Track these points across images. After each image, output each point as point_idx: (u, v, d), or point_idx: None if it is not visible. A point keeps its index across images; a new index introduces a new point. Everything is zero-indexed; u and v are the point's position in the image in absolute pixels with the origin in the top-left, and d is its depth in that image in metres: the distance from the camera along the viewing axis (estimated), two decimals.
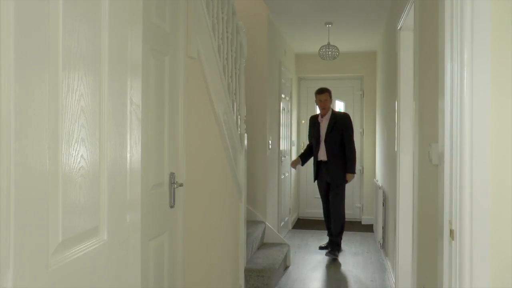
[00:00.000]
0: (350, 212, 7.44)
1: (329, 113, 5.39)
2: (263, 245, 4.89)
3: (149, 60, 1.96)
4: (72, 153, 1.06)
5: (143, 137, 1.88)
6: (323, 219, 5.66)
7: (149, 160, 1.96)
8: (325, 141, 5.33)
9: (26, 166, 0.89)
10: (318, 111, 5.59)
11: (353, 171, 5.31)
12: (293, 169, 6.86)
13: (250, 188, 4.72)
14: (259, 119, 5.03)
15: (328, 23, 5.58)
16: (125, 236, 1.35)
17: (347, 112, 7.74)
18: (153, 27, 2.00)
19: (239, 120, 3.75)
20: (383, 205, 5.30)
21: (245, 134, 3.92)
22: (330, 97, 5.44)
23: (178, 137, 2.31)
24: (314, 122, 5.56)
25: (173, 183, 2.20)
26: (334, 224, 5.33)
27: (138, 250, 1.47)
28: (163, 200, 2.15)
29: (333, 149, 5.28)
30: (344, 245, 5.77)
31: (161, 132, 2.11)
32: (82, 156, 1.10)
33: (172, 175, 2.20)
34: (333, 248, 5.34)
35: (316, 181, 5.59)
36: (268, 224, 5.06)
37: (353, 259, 5.31)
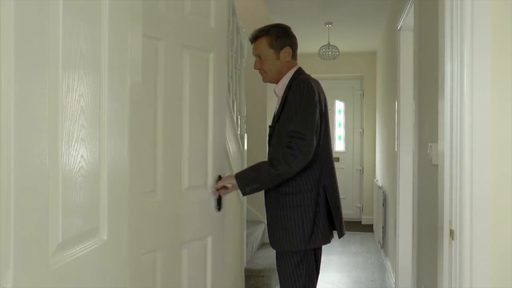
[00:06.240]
0: (350, 212, 7.45)
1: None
2: (263, 245, 4.89)
3: (182, 57, 1.89)
4: (72, 153, 1.06)
5: (173, 137, 1.84)
6: None
7: (182, 161, 1.89)
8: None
9: (26, 166, 0.89)
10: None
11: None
12: None
13: None
14: (259, 119, 5.02)
15: (328, 23, 5.58)
16: (125, 236, 1.35)
17: (347, 113, 7.78)
18: (188, 23, 1.93)
19: (239, 120, 3.75)
20: (383, 205, 5.30)
21: (245, 134, 3.92)
22: None
23: (222, 138, 2.18)
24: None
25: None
26: None
27: (139, 250, 1.46)
28: (204, 203, 2.06)
29: None
30: (344, 245, 5.77)
31: (203, 132, 2.02)
32: (82, 156, 1.10)
33: (218, 178, 2.11)
34: None
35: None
36: None
37: (353, 259, 5.31)
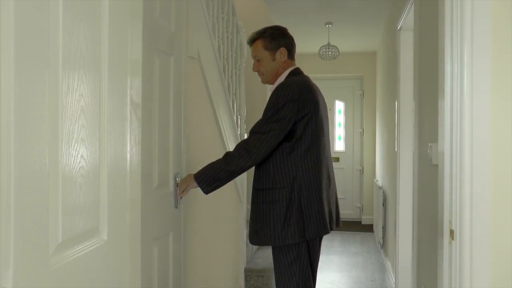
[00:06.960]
0: (350, 212, 7.45)
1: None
2: None
3: (153, 60, 1.94)
4: (72, 153, 1.06)
5: (146, 137, 1.87)
6: None
7: (153, 160, 1.94)
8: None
9: (26, 166, 0.89)
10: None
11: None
12: None
13: (250, 188, 4.72)
14: (259, 119, 5.01)
15: (328, 23, 5.58)
16: (125, 236, 1.35)
17: (347, 113, 7.78)
18: (158, 27, 1.98)
19: (239, 120, 3.75)
20: (383, 205, 5.30)
21: (245, 134, 3.92)
22: None
23: (182, 137, 2.27)
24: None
25: (178, 183, 2.17)
26: None
27: (138, 250, 1.47)
28: (167, 200, 2.12)
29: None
30: (344, 245, 5.77)
31: (166, 132, 2.09)
32: (82, 156, 1.10)
33: (177, 175, 2.17)
34: None
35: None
36: None
37: (353, 259, 5.31)
